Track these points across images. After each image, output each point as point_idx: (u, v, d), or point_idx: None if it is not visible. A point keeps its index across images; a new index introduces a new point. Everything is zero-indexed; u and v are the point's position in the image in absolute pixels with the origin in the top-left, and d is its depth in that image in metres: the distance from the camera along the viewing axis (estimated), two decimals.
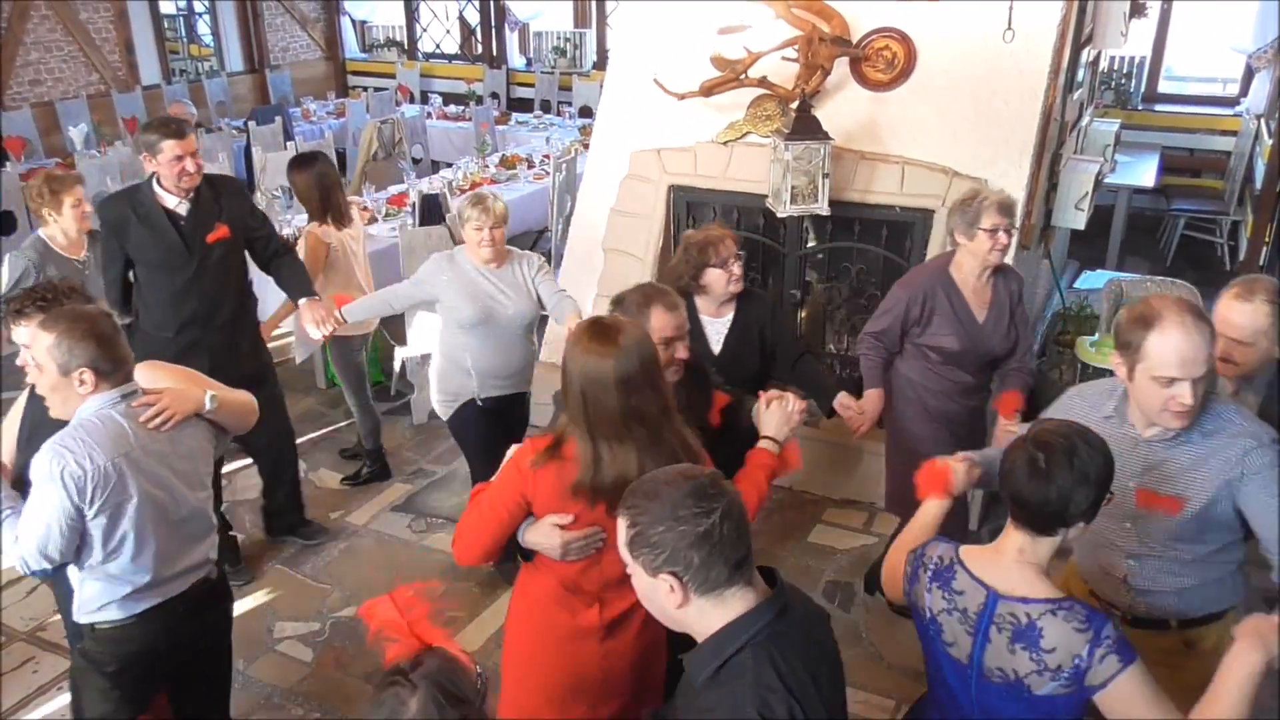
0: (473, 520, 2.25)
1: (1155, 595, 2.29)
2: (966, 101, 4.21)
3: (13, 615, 3.83)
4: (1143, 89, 8.78)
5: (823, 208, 4.09)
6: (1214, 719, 1.76)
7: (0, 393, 3.34)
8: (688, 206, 4.74)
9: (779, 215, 4.17)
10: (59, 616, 3.20)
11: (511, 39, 11.80)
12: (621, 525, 1.58)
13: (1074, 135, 5.24)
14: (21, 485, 2.39)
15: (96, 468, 2.24)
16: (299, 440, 4.54)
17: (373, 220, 6.46)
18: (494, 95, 11.40)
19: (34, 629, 3.76)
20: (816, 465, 4.48)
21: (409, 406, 5.44)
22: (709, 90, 4.25)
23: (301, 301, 3.89)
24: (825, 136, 4.01)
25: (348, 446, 5.10)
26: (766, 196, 4.23)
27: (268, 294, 4.53)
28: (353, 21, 12.69)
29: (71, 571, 2.40)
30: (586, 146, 6.15)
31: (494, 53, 11.80)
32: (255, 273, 4.06)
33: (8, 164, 7.88)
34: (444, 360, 3.80)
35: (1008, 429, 3.06)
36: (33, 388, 2.42)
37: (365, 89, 11.55)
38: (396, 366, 5.52)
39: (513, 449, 2.30)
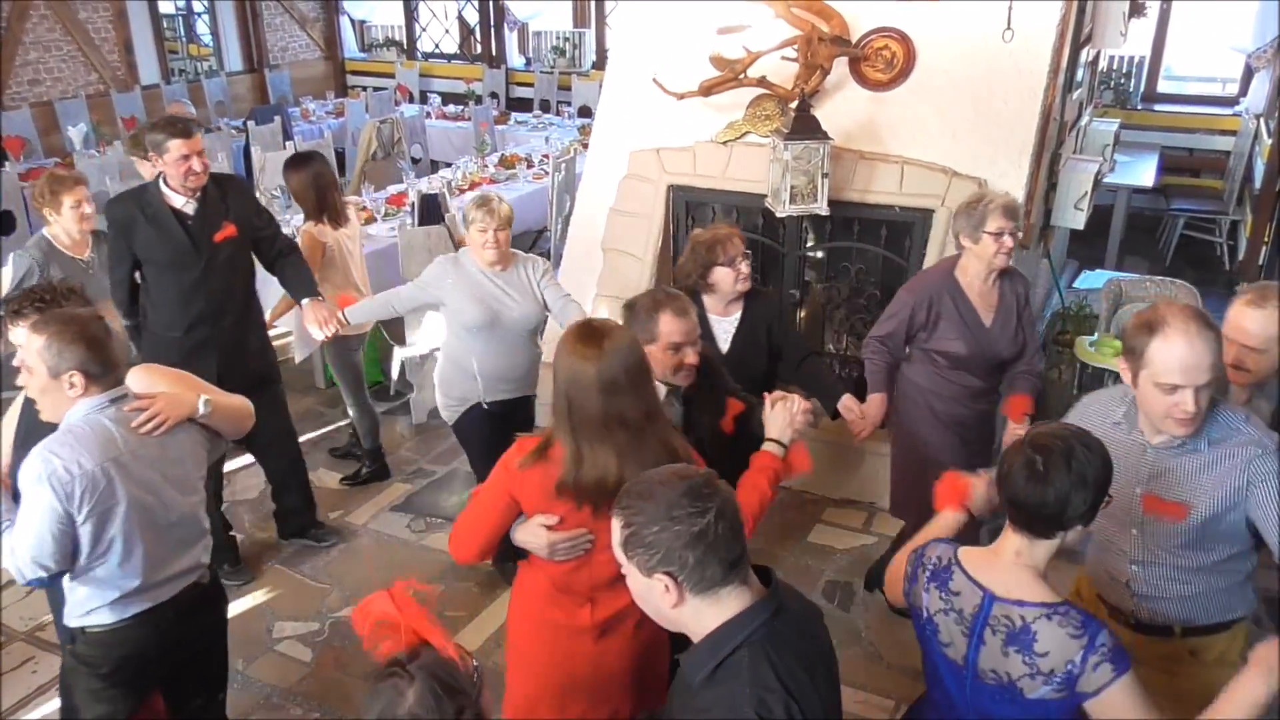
0: (468, 519, 2.31)
1: (1158, 601, 2.28)
2: (966, 101, 4.21)
3: (12, 615, 3.83)
4: (1142, 89, 8.78)
5: (822, 207, 4.09)
6: None
7: (0, 393, 3.33)
8: (687, 206, 4.74)
9: (778, 215, 4.16)
10: None
11: (511, 39, 11.80)
12: (616, 525, 1.59)
13: (1073, 135, 5.25)
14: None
15: (84, 472, 2.24)
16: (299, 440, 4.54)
17: (371, 220, 6.46)
18: (493, 95, 11.40)
19: (34, 629, 3.76)
20: (816, 465, 4.43)
21: (408, 406, 5.44)
22: (708, 90, 4.25)
23: (305, 302, 3.89)
24: (824, 136, 4.01)
25: (338, 446, 5.10)
26: (766, 196, 4.23)
27: (266, 292, 4.53)
28: (352, 21, 12.69)
29: None
30: (586, 146, 6.16)
31: (493, 52, 11.80)
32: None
33: (7, 164, 7.89)
34: (449, 364, 3.79)
35: (1017, 433, 3.04)
36: None
37: (364, 89, 11.54)
38: (396, 366, 5.52)
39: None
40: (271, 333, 4.66)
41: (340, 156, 9.27)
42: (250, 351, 3.94)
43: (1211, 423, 2.14)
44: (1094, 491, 1.80)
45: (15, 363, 2.40)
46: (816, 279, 4.76)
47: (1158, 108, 8.71)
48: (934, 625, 1.95)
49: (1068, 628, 1.77)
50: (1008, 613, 1.83)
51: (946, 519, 2.24)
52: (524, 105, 11.18)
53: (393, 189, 7.29)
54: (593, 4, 11.14)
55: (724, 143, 4.47)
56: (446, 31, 12.27)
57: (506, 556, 2.47)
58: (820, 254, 4.66)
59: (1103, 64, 7.18)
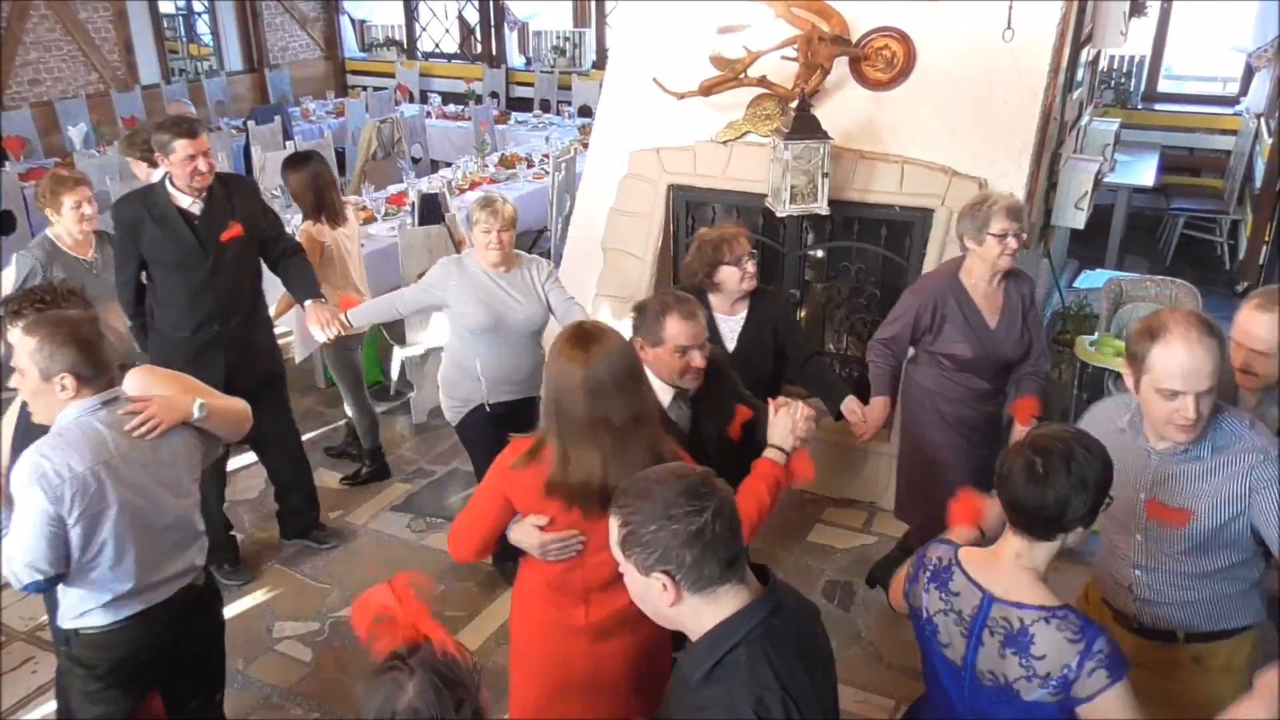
0: (465, 519, 2.35)
1: (1160, 606, 2.28)
2: (966, 101, 4.21)
3: (12, 615, 3.83)
4: (1142, 88, 8.77)
5: (822, 207, 4.08)
6: None
7: (0, 393, 3.33)
8: (687, 206, 4.74)
9: (778, 215, 4.16)
10: None
11: (511, 38, 11.80)
12: (613, 525, 1.59)
13: (1073, 134, 5.24)
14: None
15: (75, 475, 2.23)
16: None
17: (371, 220, 6.46)
18: (493, 94, 11.40)
19: (34, 629, 3.76)
20: (816, 464, 4.44)
21: (408, 406, 5.44)
22: (708, 89, 4.25)
23: (308, 304, 3.89)
24: (824, 136, 4.01)
25: (333, 445, 5.09)
26: (766, 196, 4.22)
27: (265, 292, 4.52)
28: (352, 21, 12.69)
29: None
30: (586, 146, 6.15)
31: (493, 52, 11.80)
32: None
33: (7, 164, 7.88)
34: (452, 365, 3.78)
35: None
36: None
37: (364, 88, 11.54)
38: (396, 366, 5.52)
39: None
40: None
41: (340, 156, 9.27)
42: (258, 351, 3.94)
43: (1216, 430, 2.14)
44: (1094, 494, 1.79)
45: (11, 364, 2.41)
46: (816, 279, 4.76)
47: (1158, 107, 8.70)
48: (933, 626, 1.95)
49: (1065, 632, 1.77)
50: (1006, 614, 1.83)
51: (961, 536, 2.23)
52: (524, 105, 11.18)
53: (393, 189, 7.29)
54: (593, 4, 11.13)
55: (724, 142, 4.47)
56: (446, 31, 12.27)
57: (507, 556, 2.48)
58: (820, 254, 4.66)
59: (1103, 63, 7.17)
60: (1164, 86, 8.87)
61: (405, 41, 12.42)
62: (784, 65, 4.15)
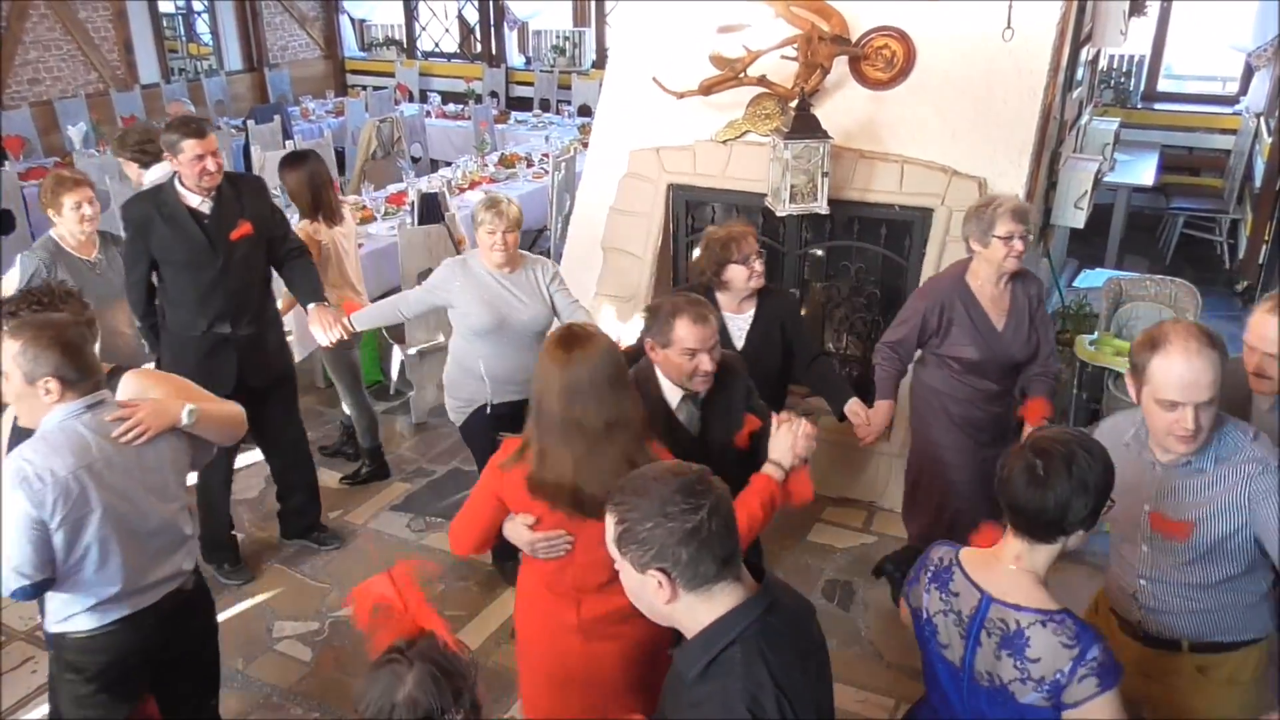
0: (463, 516, 2.41)
1: (1165, 615, 2.28)
2: (966, 100, 4.21)
3: (12, 615, 3.84)
4: (1142, 87, 8.77)
5: (822, 206, 4.08)
6: None
7: None
8: (687, 205, 4.74)
9: (778, 214, 4.16)
10: None
11: (510, 38, 11.81)
12: (610, 522, 1.60)
13: (1073, 134, 5.24)
14: None
15: (57, 479, 2.21)
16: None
17: (371, 219, 6.46)
18: (493, 94, 11.40)
19: (33, 629, 3.76)
20: (817, 464, 4.44)
21: (408, 405, 5.44)
22: (708, 89, 4.25)
23: (311, 306, 3.88)
24: (824, 135, 4.01)
25: (328, 444, 5.09)
26: (766, 195, 4.22)
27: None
28: (351, 20, 12.69)
29: None
30: (585, 145, 6.15)
31: (493, 51, 11.80)
32: None
33: (6, 163, 7.88)
34: (456, 366, 3.78)
35: None
36: None
37: (364, 88, 11.55)
38: (395, 365, 5.52)
39: None
40: None
41: (340, 155, 9.27)
42: (269, 349, 3.95)
43: (1219, 441, 2.14)
44: (1095, 497, 1.79)
45: None
46: (816, 278, 4.76)
47: (1158, 106, 8.70)
48: (933, 626, 1.95)
49: (1061, 636, 1.76)
50: (1004, 616, 1.83)
51: None
52: (524, 104, 11.19)
53: (392, 188, 7.29)
54: (593, 3, 11.14)
55: (724, 142, 4.46)
56: (446, 30, 12.27)
57: (506, 555, 2.50)
58: (820, 253, 4.66)
59: (1103, 63, 7.17)
60: (1164, 86, 8.87)
61: (405, 41, 12.42)
62: (784, 65, 4.15)
